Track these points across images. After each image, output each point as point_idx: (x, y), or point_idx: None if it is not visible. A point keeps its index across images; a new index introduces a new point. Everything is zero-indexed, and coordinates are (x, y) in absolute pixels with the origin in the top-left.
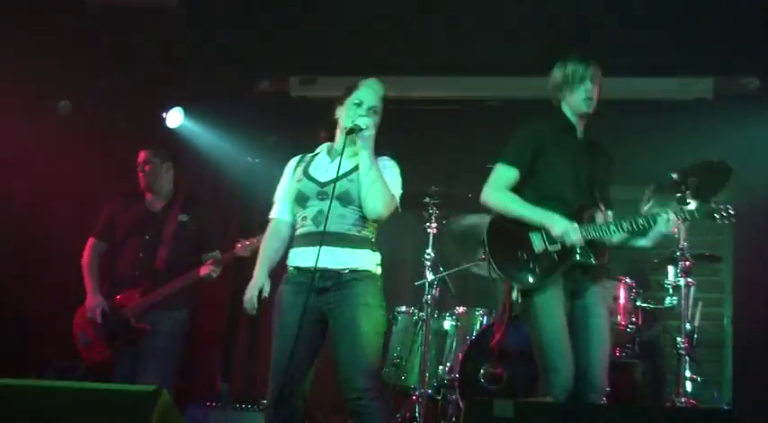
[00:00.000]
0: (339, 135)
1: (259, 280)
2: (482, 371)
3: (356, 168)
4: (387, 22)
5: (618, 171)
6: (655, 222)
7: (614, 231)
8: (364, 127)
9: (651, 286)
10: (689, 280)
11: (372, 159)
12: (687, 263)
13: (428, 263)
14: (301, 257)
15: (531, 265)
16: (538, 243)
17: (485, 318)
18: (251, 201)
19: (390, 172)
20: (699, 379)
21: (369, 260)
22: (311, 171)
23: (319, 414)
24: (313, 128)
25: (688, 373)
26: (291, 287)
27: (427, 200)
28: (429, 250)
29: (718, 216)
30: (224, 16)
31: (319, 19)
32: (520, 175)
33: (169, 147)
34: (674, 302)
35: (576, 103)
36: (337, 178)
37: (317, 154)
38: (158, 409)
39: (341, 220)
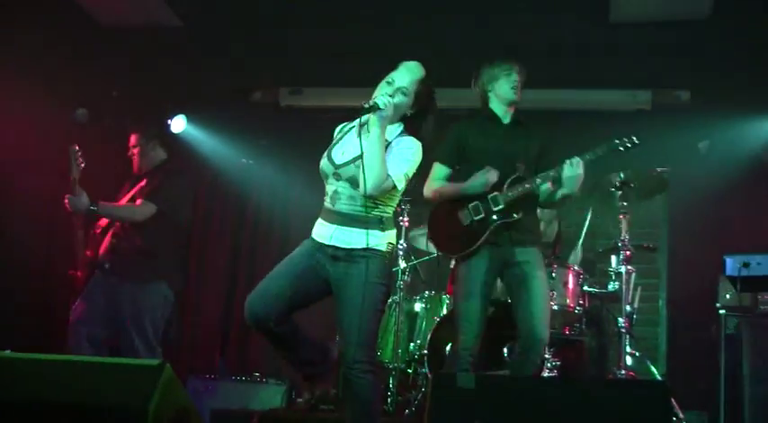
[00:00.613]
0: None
1: None
2: (448, 348)
3: None
4: (367, 39)
5: None
6: (562, 168)
7: (532, 187)
8: (382, 107)
9: (596, 273)
10: (629, 267)
11: (378, 140)
12: (628, 252)
13: (401, 252)
14: (318, 230)
15: (459, 237)
16: (464, 218)
17: (451, 301)
18: (245, 196)
19: (401, 151)
20: (637, 354)
21: (378, 239)
22: (333, 150)
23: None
24: (299, 133)
25: (628, 349)
26: (310, 248)
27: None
28: (402, 241)
29: (622, 147)
30: (222, 35)
31: (306, 37)
32: (452, 169)
33: (156, 126)
34: (617, 287)
35: (505, 92)
36: (347, 163)
37: (352, 127)
38: (162, 381)
39: (351, 201)
